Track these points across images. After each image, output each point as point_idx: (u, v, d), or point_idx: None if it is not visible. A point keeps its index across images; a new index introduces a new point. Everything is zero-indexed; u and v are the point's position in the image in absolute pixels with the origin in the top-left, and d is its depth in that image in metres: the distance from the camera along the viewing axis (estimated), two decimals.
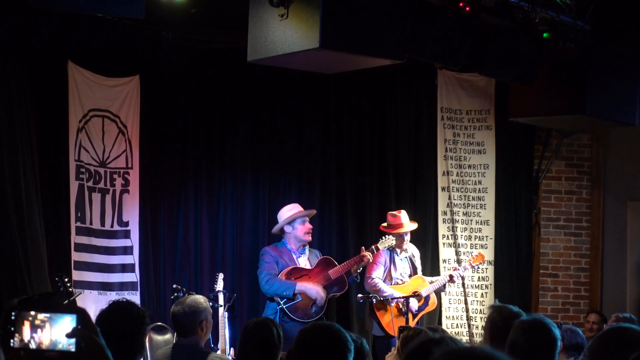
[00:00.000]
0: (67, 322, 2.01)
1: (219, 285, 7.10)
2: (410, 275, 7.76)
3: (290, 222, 7.34)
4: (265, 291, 7.22)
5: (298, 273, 7.27)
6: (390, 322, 7.37)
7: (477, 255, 8.07)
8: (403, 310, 7.33)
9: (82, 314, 2.03)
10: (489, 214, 8.81)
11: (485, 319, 4.35)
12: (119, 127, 7.40)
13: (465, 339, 8.57)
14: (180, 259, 7.81)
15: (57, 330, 2.01)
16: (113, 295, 7.06)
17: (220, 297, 7.02)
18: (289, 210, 7.40)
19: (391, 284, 7.62)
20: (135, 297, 7.32)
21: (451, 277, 7.80)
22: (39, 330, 2.01)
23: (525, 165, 9.07)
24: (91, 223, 7.18)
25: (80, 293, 6.74)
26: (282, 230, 7.41)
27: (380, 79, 8.34)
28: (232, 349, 6.85)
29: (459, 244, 8.75)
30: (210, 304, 5.26)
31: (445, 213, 8.77)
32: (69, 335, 2.00)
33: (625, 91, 7.84)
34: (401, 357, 4.14)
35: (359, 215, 8.44)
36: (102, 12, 6.23)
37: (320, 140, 8.33)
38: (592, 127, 8.78)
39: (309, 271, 7.33)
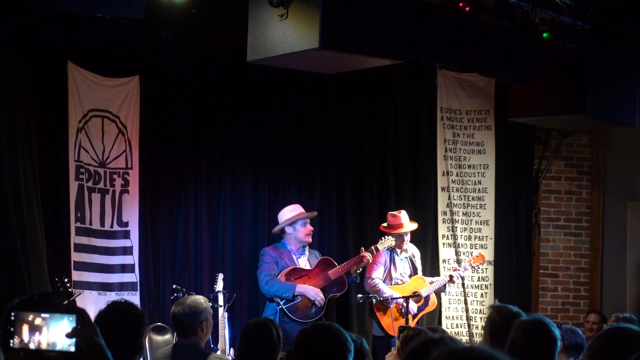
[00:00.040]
0: (67, 323, 2.01)
1: (219, 285, 7.09)
2: (410, 276, 7.76)
3: (292, 223, 7.34)
4: (265, 292, 7.21)
5: (298, 274, 7.27)
6: (390, 322, 7.37)
7: (477, 256, 8.07)
8: (403, 310, 7.33)
9: (81, 314, 2.03)
10: (489, 214, 8.81)
11: (485, 319, 4.35)
12: (118, 128, 7.40)
13: (465, 339, 8.57)
14: (180, 259, 7.81)
15: (56, 331, 2.01)
16: (113, 296, 7.05)
17: (220, 297, 7.02)
18: (290, 211, 7.40)
19: (391, 284, 7.62)
20: (135, 298, 7.32)
21: (451, 277, 7.80)
22: (38, 330, 2.01)
23: (525, 165, 9.07)
24: (91, 223, 7.18)
25: (80, 293, 6.74)
26: (282, 231, 7.41)
27: (380, 79, 8.34)
28: (231, 349, 6.85)
29: (458, 244, 8.75)
30: (210, 304, 5.26)
31: (445, 213, 8.77)
32: (68, 336, 2.00)
33: (625, 91, 7.83)
34: (401, 357, 4.14)
35: (358, 216, 8.44)
36: (102, 12, 6.23)
37: (320, 140, 8.33)
38: (592, 127, 8.78)
39: (308, 272, 7.33)
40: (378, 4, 5.73)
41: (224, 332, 6.86)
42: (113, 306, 3.53)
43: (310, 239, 7.41)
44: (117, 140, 7.38)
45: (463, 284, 8.62)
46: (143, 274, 7.50)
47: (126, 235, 7.42)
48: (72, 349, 2.00)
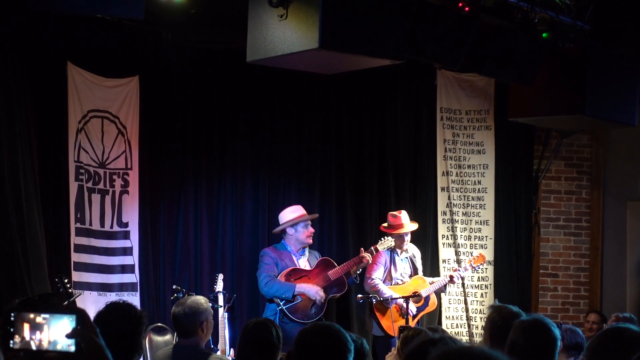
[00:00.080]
0: (67, 323, 2.01)
1: (219, 285, 7.09)
2: (410, 276, 7.76)
3: (294, 224, 7.34)
4: (265, 293, 7.22)
5: (298, 274, 7.27)
6: (390, 322, 7.37)
7: (478, 256, 8.06)
8: (402, 311, 7.33)
9: (81, 315, 2.03)
10: (489, 214, 8.82)
11: (485, 319, 4.35)
12: (118, 128, 7.40)
13: (465, 339, 8.57)
14: (180, 259, 7.81)
15: (56, 331, 2.01)
16: (113, 296, 7.05)
17: (220, 297, 7.02)
18: (292, 212, 7.39)
19: (391, 284, 7.62)
20: (135, 298, 7.32)
21: (451, 277, 7.80)
22: (38, 331, 2.01)
23: (525, 165, 9.07)
24: (91, 224, 7.18)
25: (80, 294, 6.74)
26: (283, 231, 7.41)
27: (380, 79, 8.35)
28: (232, 349, 6.84)
29: (458, 244, 8.75)
30: (210, 304, 5.26)
31: (444, 213, 8.78)
32: (68, 336, 2.00)
33: (625, 91, 7.83)
34: (401, 357, 4.14)
35: (358, 216, 8.44)
36: (102, 12, 6.22)
37: (320, 140, 8.33)
38: (592, 127, 8.78)
39: (308, 272, 7.33)
40: (378, 4, 5.73)
41: (224, 332, 6.86)
42: (111, 307, 3.53)
43: (311, 241, 7.42)
44: (116, 141, 7.38)
45: (463, 284, 8.62)
46: (143, 274, 7.49)
47: (126, 235, 7.41)
48: (72, 349, 2.00)
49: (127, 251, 7.41)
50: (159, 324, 7.23)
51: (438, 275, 8.25)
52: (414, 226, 7.73)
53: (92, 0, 5.64)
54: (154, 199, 7.68)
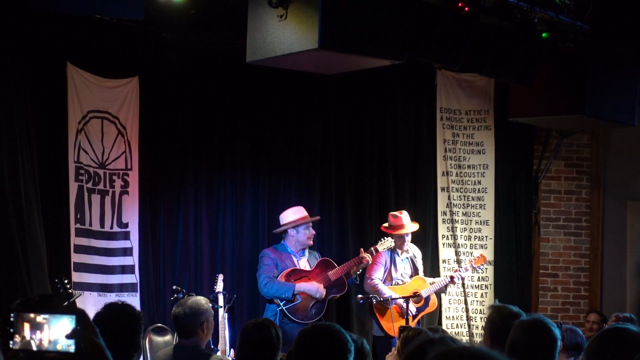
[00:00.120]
0: (67, 323, 2.01)
1: (219, 286, 7.09)
2: (411, 276, 7.75)
3: (296, 226, 7.34)
4: (265, 294, 7.22)
5: (298, 274, 7.27)
6: (390, 322, 7.37)
7: (478, 257, 8.06)
8: (402, 311, 7.33)
9: (81, 315, 2.03)
10: (489, 214, 8.81)
11: (485, 319, 4.34)
12: (118, 129, 7.40)
13: (465, 339, 8.57)
14: (180, 260, 7.81)
15: (56, 332, 2.01)
16: (113, 297, 7.06)
17: (220, 298, 7.01)
18: (294, 214, 7.39)
19: (391, 285, 7.62)
20: (135, 299, 7.32)
21: (452, 278, 7.80)
22: (38, 331, 2.01)
23: (525, 165, 9.07)
24: (91, 224, 7.18)
25: (80, 295, 6.74)
26: (284, 232, 7.40)
27: (380, 79, 8.35)
28: (232, 350, 6.84)
29: (458, 244, 8.74)
30: (210, 305, 5.26)
31: (444, 213, 8.77)
32: (68, 336, 2.00)
33: (625, 91, 7.83)
34: (401, 357, 4.14)
35: (358, 216, 8.44)
36: (102, 13, 6.22)
37: (320, 140, 8.32)
38: (591, 127, 8.78)
39: (308, 272, 7.33)
40: (377, 4, 5.73)
41: (224, 332, 6.86)
42: (110, 307, 3.56)
43: (311, 242, 7.43)
44: (116, 141, 7.38)
45: (463, 284, 8.62)
46: (143, 275, 7.49)
47: (126, 236, 7.41)
48: (72, 349, 2.00)
49: (127, 252, 7.41)
50: (159, 324, 7.23)
51: (438, 275, 8.24)
52: (415, 227, 7.73)
53: (92, 0, 5.63)
54: (154, 200, 7.68)
